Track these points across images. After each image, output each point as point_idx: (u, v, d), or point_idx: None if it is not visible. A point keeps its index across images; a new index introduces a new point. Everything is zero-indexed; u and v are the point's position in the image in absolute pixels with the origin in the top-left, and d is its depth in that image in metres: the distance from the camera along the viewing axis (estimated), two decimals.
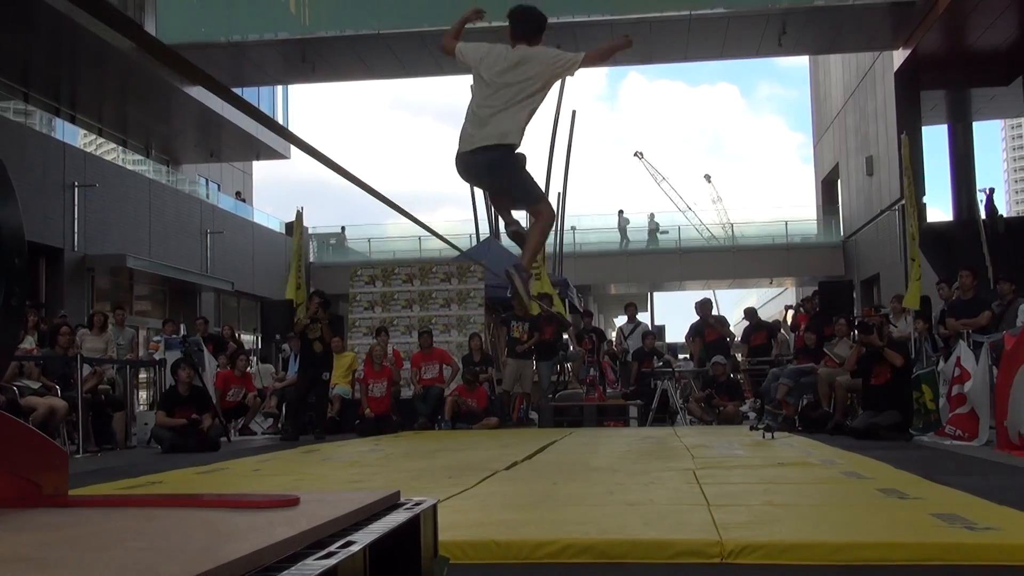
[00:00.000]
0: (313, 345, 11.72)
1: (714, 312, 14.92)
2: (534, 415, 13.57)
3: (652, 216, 35.77)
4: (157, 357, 12.93)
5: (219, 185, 31.20)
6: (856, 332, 10.27)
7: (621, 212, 35.50)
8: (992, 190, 24.46)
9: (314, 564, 1.44)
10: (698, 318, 14.44)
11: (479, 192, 21.43)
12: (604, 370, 14.54)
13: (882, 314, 12.38)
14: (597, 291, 38.02)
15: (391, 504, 1.99)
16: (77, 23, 17.33)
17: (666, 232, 35.70)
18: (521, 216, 5.90)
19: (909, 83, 23.91)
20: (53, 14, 17.17)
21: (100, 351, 11.46)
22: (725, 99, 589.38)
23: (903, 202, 13.88)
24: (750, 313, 15.28)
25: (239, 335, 19.30)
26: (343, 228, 35.90)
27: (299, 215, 16.09)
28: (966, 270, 11.11)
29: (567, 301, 17.12)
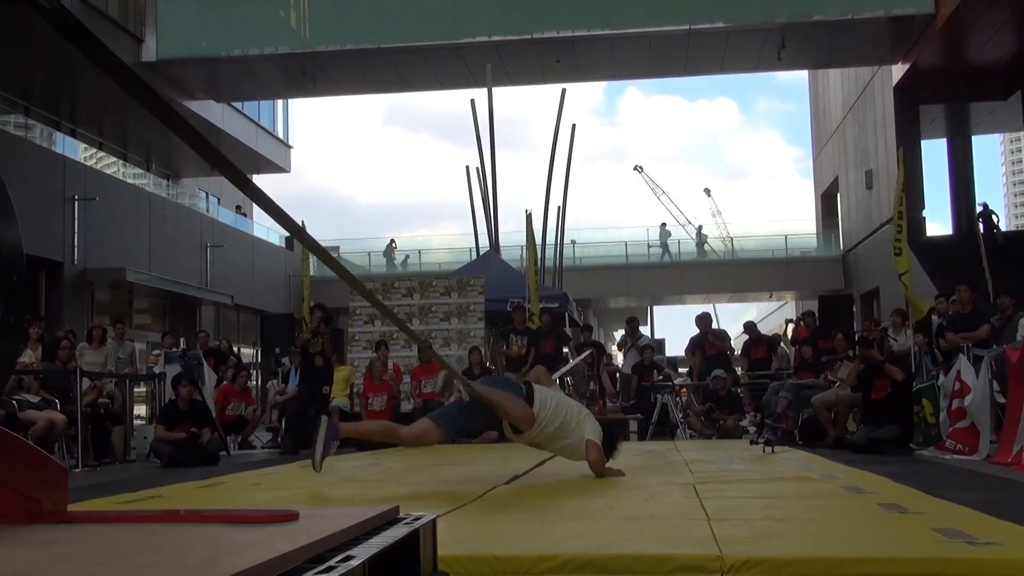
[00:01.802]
0: (314, 359, 11.71)
1: (714, 326, 14.91)
2: None
3: (700, 228, 35.83)
4: (157, 371, 12.92)
5: (219, 199, 31.24)
6: (856, 347, 10.27)
7: (663, 225, 35.62)
8: (984, 204, 24.52)
9: None
10: (698, 332, 14.44)
11: (479, 206, 21.50)
12: (604, 384, 14.52)
13: (882, 328, 12.39)
14: (597, 305, 38.05)
15: (390, 519, 1.98)
16: None
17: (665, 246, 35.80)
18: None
19: (908, 97, 23.97)
20: (54, 28, 17.22)
21: (99, 365, 11.45)
22: (723, 113, 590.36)
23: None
24: (750, 327, 15.28)
25: (239, 349, 19.33)
26: (392, 240, 35.43)
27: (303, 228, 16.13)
28: (964, 284, 11.12)
29: (567, 315, 17.12)
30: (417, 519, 2.01)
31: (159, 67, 21.81)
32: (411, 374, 13.19)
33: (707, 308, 29.39)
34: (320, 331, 11.81)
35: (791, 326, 17.59)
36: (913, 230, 19.62)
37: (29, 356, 10.51)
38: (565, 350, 14.57)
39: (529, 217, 17.96)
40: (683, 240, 38.09)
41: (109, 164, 24.15)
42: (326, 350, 11.79)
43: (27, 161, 18.51)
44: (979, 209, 24.26)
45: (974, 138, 29.25)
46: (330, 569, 1.49)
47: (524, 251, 18.07)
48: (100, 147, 24.55)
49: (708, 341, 14.14)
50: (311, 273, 16.22)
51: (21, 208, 2.00)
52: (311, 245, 3.10)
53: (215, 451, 10.18)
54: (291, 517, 1.87)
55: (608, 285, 34.53)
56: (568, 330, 16.15)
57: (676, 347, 26.02)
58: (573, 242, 32.28)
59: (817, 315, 16.76)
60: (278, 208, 2.29)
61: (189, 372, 11.34)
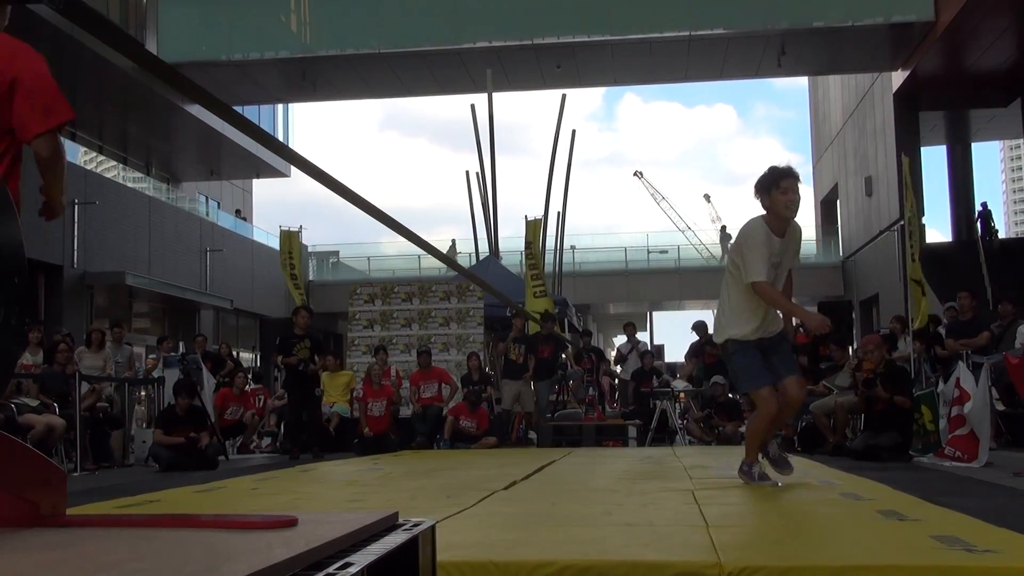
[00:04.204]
0: (307, 367, 11.68)
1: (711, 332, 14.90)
2: (533, 435, 13.54)
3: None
4: (156, 375, 12.91)
5: (219, 203, 31.24)
6: (853, 354, 10.27)
7: (724, 228, 35.60)
8: (984, 204, 24.59)
9: None
10: (698, 339, 14.44)
11: (478, 210, 21.52)
12: (603, 389, 14.51)
13: (882, 334, 12.38)
14: (596, 310, 38.03)
15: (390, 524, 1.98)
16: (78, 40, 17.40)
17: (665, 252, 35.75)
18: None
19: (908, 104, 23.99)
20: (54, 32, 17.24)
21: (98, 368, 11.44)
22: (722, 119, 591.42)
23: (903, 222, 13.89)
24: None
25: (238, 353, 19.33)
26: (453, 241, 35.30)
27: (283, 233, 16.22)
28: (965, 291, 11.13)
29: (567, 320, 17.12)
30: (416, 525, 2.01)
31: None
32: (410, 379, 13.18)
33: (706, 314, 29.37)
34: (310, 334, 11.81)
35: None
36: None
37: (27, 358, 10.50)
38: (563, 356, 14.58)
39: (535, 222, 17.94)
40: (683, 246, 38.09)
41: (109, 168, 24.17)
42: (312, 356, 11.75)
43: (27, 165, 18.50)
44: (979, 209, 24.32)
45: (974, 145, 29.29)
46: None
47: (523, 256, 18.07)
48: (100, 151, 24.58)
49: (706, 351, 14.12)
50: (310, 276, 16.32)
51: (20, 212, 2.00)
52: (314, 172, 3.10)
53: (214, 455, 10.17)
54: (289, 523, 1.87)
55: (607, 291, 34.52)
56: (567, 335, 16.15)
57: (675, 353, 26.06)
58: (572, 247, 32.27)
59: None
60: (270, 136, 2.30)
61: (188, 379, 11.34)
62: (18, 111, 2.95)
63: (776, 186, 5.25)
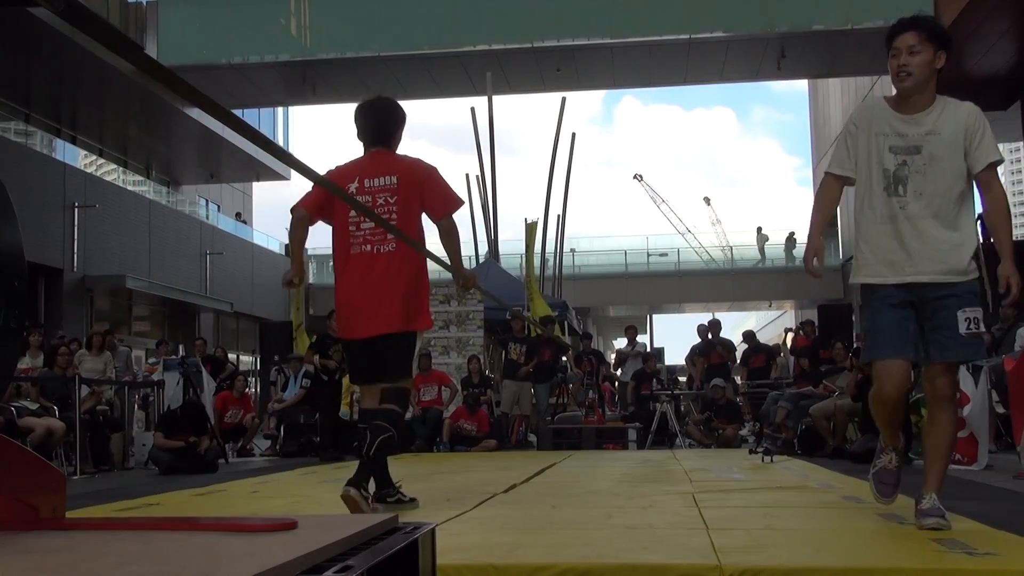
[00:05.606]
0: (341, 365, 11.60)
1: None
2: (533, 437, 13.53)
3: (792, 234, 35.74)
4: (156, 378, 12.91)
5: (219, 206, 31.24)
6: (854, 357, 10.26)
7: (760, 229, 35.57)
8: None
9: None
10: (700, 340, 14.39)
11: (478, 212, 21.53)
12: (603, 392, 14.50)
13: None
14: (596, 313, 38.03)
15: (389, 528, 1.98)
16: (79, 44, 17.40)
17: (665, 254, 35.77)
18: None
19: None
20: (55, 35, 17.25)
21: (99, 372, 11.43)
22: (721, 122, 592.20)
23: None
24: (748, 336, 15.26)
25: (238, 356, 19.33)
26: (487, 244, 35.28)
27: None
28: None
29: (566, 323, 17.12)
30: (416, 528, 2.00)
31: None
32: None
33: (707, 317, 29.41)
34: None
35: (791, 335, 17.58)
36: None
37: (27, 362, 10.50)
38: (564, 359, 14.57)
39: (533, 225, 17.97)
40: (683, 249, 38.09)
41: (109, 171, 24.16)
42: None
43: (27, 168, 18.52)
44: (978, 212, 24.32)
45: None
46: None
47: (523, 259, 18.11)
48: (100, 154, 24.57)
49: (715, 351, 14.08)
50: (310, 280, 16.28)
51: (20, 215, 2.00)
52: (313, 177, 3.12)
53: (213, 459, 10.15)
54: (289, 526, 1.86)
55: (607, 294, 34.51)
56: (567, 338, 16.14)
57: (675, 356, 26.06)
58: (572, 251, 32.29)
59: (816, 324, 16.72)
60: (264, 137, 2.32)
61: (188, 378, 11.37)
62: (429, 203, 4.76)
63: (887, 51, 3.90)
